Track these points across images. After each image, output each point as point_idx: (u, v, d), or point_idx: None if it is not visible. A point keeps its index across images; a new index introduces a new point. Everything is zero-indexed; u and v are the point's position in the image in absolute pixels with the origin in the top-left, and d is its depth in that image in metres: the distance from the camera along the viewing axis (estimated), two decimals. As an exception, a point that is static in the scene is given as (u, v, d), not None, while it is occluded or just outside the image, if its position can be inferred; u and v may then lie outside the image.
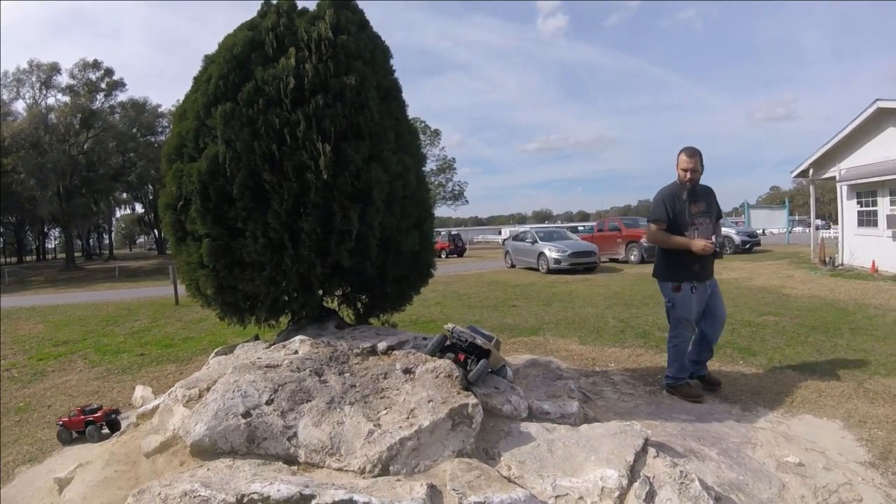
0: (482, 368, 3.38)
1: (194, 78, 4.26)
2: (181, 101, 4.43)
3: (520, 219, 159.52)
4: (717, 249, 4.73)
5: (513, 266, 21.38)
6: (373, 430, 2.85)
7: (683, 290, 4.77)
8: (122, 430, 4.29)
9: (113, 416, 4.79)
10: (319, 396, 3.12)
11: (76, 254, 52.50)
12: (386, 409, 3.07)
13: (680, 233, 4.77)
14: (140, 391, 5.77)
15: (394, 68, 4.52)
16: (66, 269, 43.30)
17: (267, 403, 3.03)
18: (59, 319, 13.04)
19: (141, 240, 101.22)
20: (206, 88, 3.92)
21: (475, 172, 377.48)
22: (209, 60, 4.19)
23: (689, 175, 4.73)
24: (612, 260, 21.28)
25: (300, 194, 3.70)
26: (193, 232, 3.87)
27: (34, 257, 72.08)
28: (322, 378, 3.31)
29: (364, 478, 2.67)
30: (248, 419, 2.93)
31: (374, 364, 3.60)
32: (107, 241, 78.93)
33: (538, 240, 19.83)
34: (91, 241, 74.93)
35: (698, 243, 4.61)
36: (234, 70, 3.86)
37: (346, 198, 3.74)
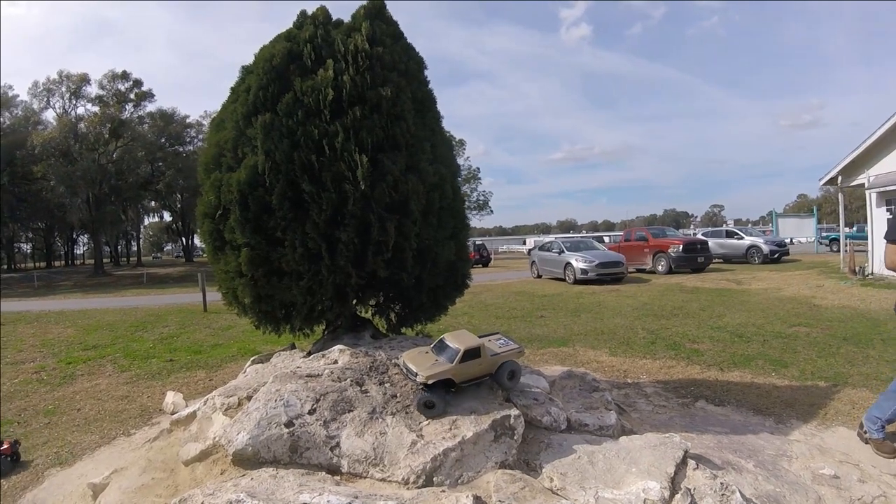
0: (420, 402, 3.13)
1: (232, 88, 4.29)
2: (218, 111, 4.46)
3: (544, 228, 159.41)
4: None
5: (539, 276, 21.28)
6: (416, 440, 2.85)
7: None
8: (154, 436, 4.28)
9: (16, 446, 4.60)
10: (361, 406, 3.13)
11: (104, 260, 53.26)
12: (428, 419, 3.07)
13: None
14: (171, 397, 5.82)
15: (428, 79, 4.53)
16: (95, 274, 43.97)
17: (309, 413, 3.05)
18: (88, 324, 13.23)
19: (168, 247, 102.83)
20: (245, 99, 3.95)
21: (499, 182, 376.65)
22: (247, 71, 4.22)
23: None
24: (639, 270, 21.07)
25: (338, 205, 3.71)
26: (232, 241, 3.89)
27: (63, 262, 73.51)
28: (363, 388, 3.32)
29: (408, 489, 2.67)
30: (291, 429, 2.94)
31: (413, 374, 3.59)
32: (135, 248, 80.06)
33: (565, 250, 19.64)
34: (119, 247, 76.11)
35: None
36: (273, 81, 3.89)
37: (383, 208, 3.76)
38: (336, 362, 3.68)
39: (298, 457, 2.90)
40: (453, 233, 4.32)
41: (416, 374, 3.12)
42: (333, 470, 2.85)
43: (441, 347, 3.31)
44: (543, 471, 2.92)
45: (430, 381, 3.09)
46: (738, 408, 4.94)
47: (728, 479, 2.99)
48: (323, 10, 4.35)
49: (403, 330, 4.74)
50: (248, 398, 3.46)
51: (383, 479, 2.75)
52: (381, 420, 3.04)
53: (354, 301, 4.31)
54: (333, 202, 3.69)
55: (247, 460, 2.94)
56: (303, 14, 4.37)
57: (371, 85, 3.88)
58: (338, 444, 2.91)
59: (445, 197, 4.16)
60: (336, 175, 3.69)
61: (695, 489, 2.78)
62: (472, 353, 3.20)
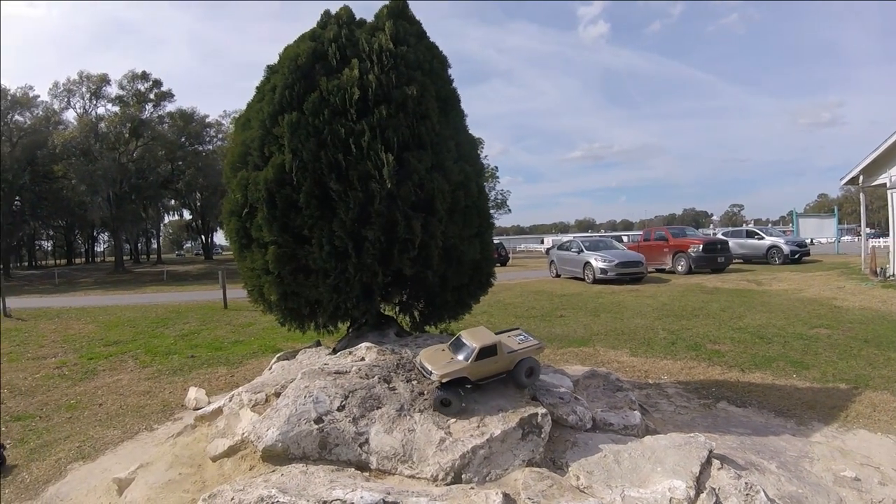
0: (436, 400, 3.16)
1: (257, 87, 4.33)
2: (243, 111, 4.50)
3: (562, 228, 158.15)
4: None
5: (558, 276, 21.11)
6: (444, 437, 2.87)
7: None
8: (178, 431, 4.28)
9: (2, 450, 4.51)
10: (389, 403, 3.16)
11: (124, 257, 53.81)
12: (454, 417, 3.08)
13: None
14: (193, 392, 5.89)
15: (452, 78, 4.54)
16: (115, 271, 44.49)
17: (339, 410, 3.07)
18: (108, 320, 13.34)
19: (188, 245, 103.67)
20: (270, 98, 3.98)
21: (517, 181, 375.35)
22: (272, 70, 4.26)
23: None
24: (658, 270, 20.81)
25: (365, 203, 3.74)
26: (259, 239, 3.94)
27: (83, 260, 74.37)
28: (391, 385, 3.34)
29: (437, 485, 2.69)
30: (321, 425, 2.97)
31: (439, 372, 3.60)
32: (154, 246, 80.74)
33: (584, 249, 19.41)
34: (139, 245, 76.85)
35: None
36: (298, 80, 3.93)
37: (409, 207, 3.78)
38: (363, 359, 3.70)
39: (328, 453, 2.93)
40: (478, 231, 4.33)
41: (431, 373, 3.15)
42: (362, 466, 2.88)
43: (458, 345, 3.31)
44: (570, 469, 2.93)
45: (444, 380, 3.12)
46: (760, 409, 4.94)
47: (752, 479, 2.99)
48: (346, 10, 4.38)
49: (427, 328, 4.76)
50: (276, 394, 3.48)
51: (412, 476, 2.77)
52: (409, 417, 3.06)
53: (379, 299, 4.33)
54: (360, 201, 3.71)
55: (276, 456, 2.97)
56: (326, 14, 4.40)
57: (396, 84, 3.91)
58: (367, 441, 2.93)
59: (470, 195, 4.17)
60: (363, 174, 3.72)
61: (719, 489, 2.79)
62: (487, 351, 3.20)
